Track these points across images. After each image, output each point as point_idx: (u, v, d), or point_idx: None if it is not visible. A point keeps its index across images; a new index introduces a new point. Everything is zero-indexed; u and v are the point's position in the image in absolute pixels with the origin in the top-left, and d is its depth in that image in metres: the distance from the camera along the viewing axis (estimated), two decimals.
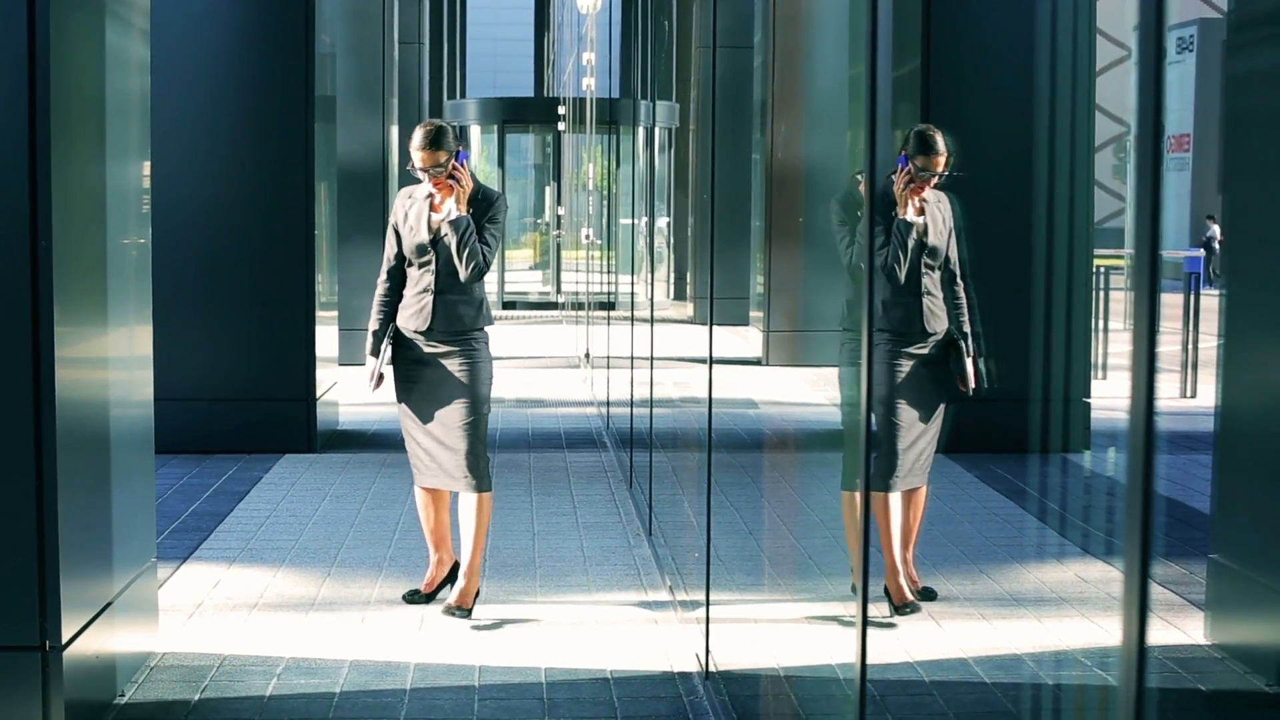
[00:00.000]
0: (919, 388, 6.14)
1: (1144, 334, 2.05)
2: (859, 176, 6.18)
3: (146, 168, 5.75)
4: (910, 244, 6.02)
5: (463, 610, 6.22)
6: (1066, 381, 10.01)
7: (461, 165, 6.16)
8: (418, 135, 6.14)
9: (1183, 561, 6.98)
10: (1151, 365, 2.06)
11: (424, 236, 6.17)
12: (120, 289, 5.34)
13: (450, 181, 6.13)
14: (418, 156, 6.14)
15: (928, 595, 6.38)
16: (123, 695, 5.23)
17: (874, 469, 6.14)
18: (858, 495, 6.14)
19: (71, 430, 4.75)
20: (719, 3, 17.17)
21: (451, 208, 6.13)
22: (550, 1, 34.97)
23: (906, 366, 6.12)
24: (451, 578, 6.50)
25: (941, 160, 6.06)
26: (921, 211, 6.05)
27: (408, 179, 6.40)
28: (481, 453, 6.28)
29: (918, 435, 6.16)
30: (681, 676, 5.51)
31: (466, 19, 34.40)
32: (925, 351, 6.14)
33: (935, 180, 6.07)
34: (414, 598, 6.47)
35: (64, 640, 4.67)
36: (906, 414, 6.12)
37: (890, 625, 5.99)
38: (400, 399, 6.33)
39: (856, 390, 6.19)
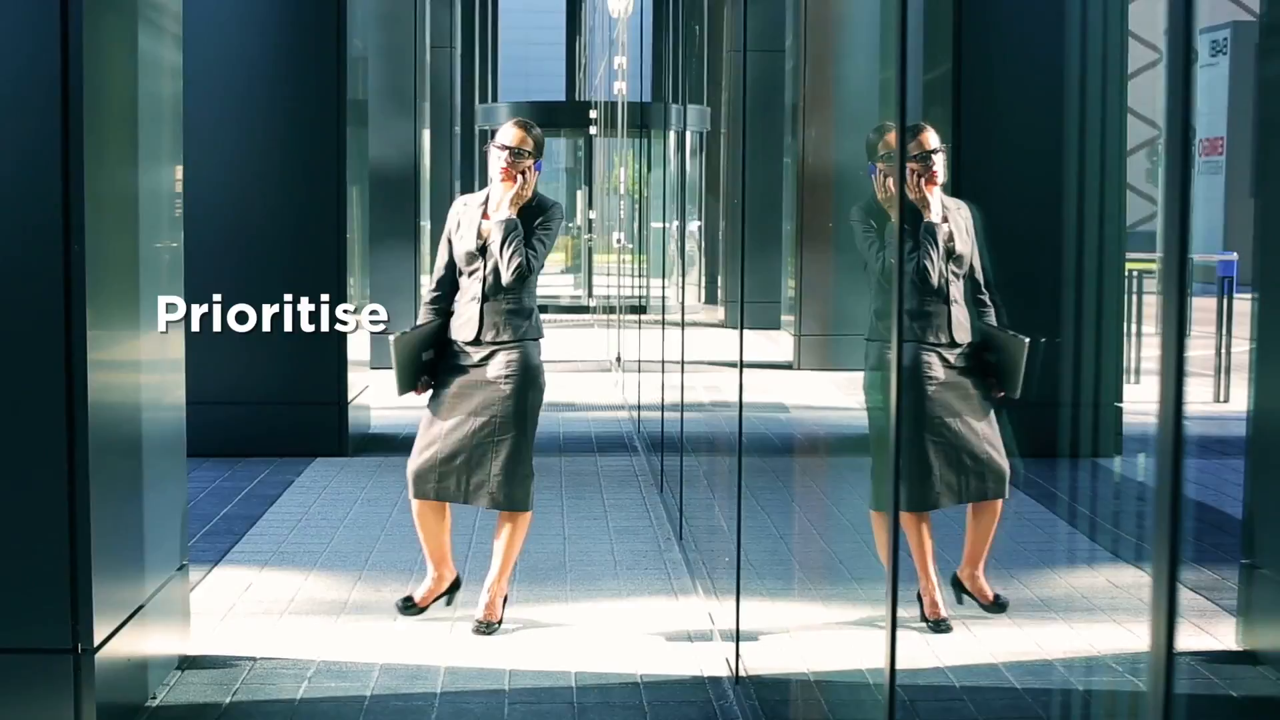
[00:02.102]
0: (950, 398, 6.05)
1: (1172, 336, 2.04)
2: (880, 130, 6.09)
3: (179, 172, 5.77)
4: (940, 244, 5.94)
5: (492, 625, 6.13)
6: (1097, 386, 9.97)
7: (535, 171, 6.15)
8: (513, 120, 6.22)
9: (1215, 567, 6.95)
10: (1180, 367, 2.06)
11: (473, 244, 6.10)
12: (153, 293, 5.36)
13: (517, 175, 6.10)
14: (510, 133, 6.12)
15: (999, 606, 6.17)
16: (154, 698, 5.25)
17: (904, 486, 6.05)
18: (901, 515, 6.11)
19: (104, 434, 4.77)
20: (749, 6, 17.17)
21: (504, 210, 6.10)
22: (582, 5, 35.00)
23: (936, 378, 6.04)
24: (450, 592, 6.34)
25: (927, 135, 5.99)
26: (945, 219, 5.99)
27: (440, 181, 6.38)
28: (526, 469, 6.13)
29: (963, 447, 6.04)
30: (712, 681, 5.51)
31: (499, 23, 34.45)
32: (955, 361, 6.06)
33: (939, 164, 5.98)
34: (408, 606, 6.29)
35: (96, 643, 4.69)
36: (936, 427, 6.03)
37: (918, 629, 5.98)
38: (433, 407, 6.17)
39: (883, 402, 6.10)
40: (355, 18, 10.74)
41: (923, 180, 5.95)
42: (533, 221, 6.12)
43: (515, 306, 6.11)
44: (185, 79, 5.94)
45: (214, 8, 10.10)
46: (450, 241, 6.20)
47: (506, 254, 6.03)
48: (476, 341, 6.10)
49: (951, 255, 5.97)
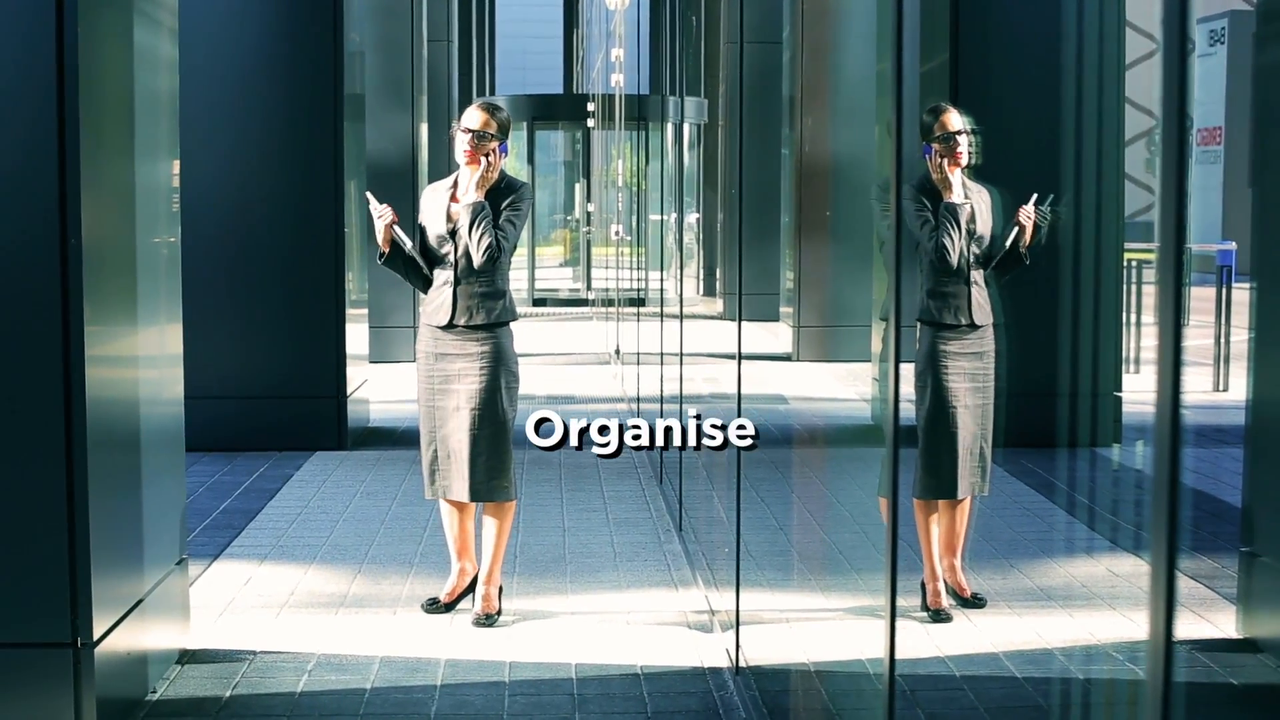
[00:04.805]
0: (964, 386, 6.03)
1: (1169, 326, 2.04)
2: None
3: (176, 166, 5.77)
4: (962, 224, 5.94)
5: (491, 617, 6.15)
6: (1095, 375, 9.97)
7: (500, 154, 6.13)
8: (478, 103, 6.17)
9: (1214, 555, 6.95)
10: (1177, 357, 2.06)
11: (442, 227, 6.09)
12: (150, 287, 5.36)
13: (482, 159, 6.06)
14: (474, 116, 6.08)
15: (976, 603, 6.20)
16: (154, 692, 5.25)
17: (917, 474, 6.06)
18: (914, 501, 6.12)
19: (102, 429, 4.77)
20: None
21: (471, 193, 6.07)
22: None
23: (952, 363, 6.03)
24: (473, 587, 6.33)
25: (950, 116, 6.00)
26: (966, 197, 5.99)
27: (438, 175, 6.35)
28: (507, 459, 6.15)
29: (969, 439, 6.04)
30: (712, 672, 5.51)
31: (496, 16, 34.41)
32: (972, 347, 6.05)
33: (962, 145, 5.98)
34: (433, 607, 6.29)
35: (95, 637, 4.70)
36: (948, 414, 6.02)
37: (919, 620, 5.99)
38: (423, 400, 6.19)
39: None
40: (352, 11, 10.74)
41: (945, 161, 5.96)
42: (501, 203, 6.10)
43: (488, 289, 6.09)
44: (182, 73, 5.93)
45: (211, 2, 10.10)
46: (423, 228, 6.20)
47: (476, 236, 6.00)
48: (450, 326, 6.09)
49: (973, 237, 5.98)
